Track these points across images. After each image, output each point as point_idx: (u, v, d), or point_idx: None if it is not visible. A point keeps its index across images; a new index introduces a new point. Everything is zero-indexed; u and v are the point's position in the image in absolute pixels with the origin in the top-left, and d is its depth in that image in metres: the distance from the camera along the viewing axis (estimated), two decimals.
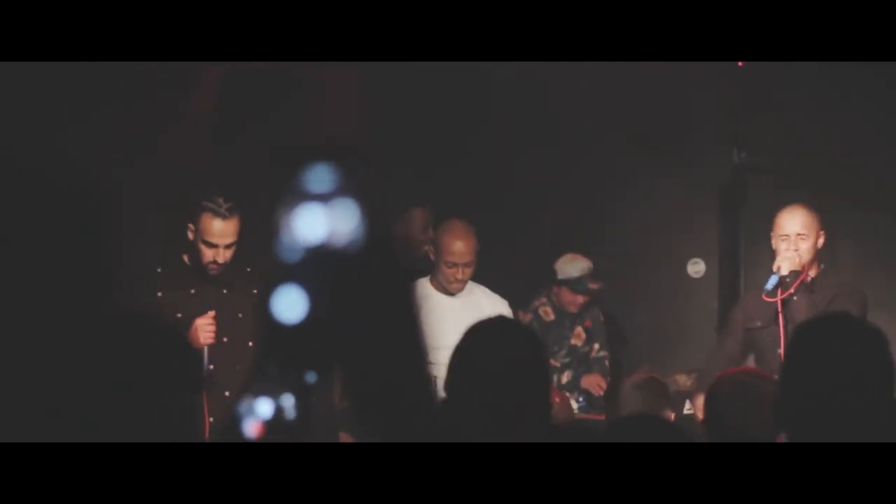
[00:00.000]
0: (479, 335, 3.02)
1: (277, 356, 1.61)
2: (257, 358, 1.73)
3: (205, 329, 5.21)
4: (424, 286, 6.07)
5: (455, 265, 5.98)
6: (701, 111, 7.43)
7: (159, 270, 5.34)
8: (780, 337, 5.76)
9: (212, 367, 5.16)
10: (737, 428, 3.60)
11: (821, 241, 5.87)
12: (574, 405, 6.47)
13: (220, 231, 5.26)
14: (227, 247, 5.28)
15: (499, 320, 3.14)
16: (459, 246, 5.97)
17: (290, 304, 1.54)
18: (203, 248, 5.27)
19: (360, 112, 7.31)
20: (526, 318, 7.18)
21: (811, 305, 5.73)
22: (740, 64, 6.91)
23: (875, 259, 7.26)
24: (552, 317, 7.28)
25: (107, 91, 6.31)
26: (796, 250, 5.80)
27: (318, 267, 1.52)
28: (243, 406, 1.69)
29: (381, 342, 1.55)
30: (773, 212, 5.93)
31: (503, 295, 6.29)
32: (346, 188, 1.53)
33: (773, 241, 5.90)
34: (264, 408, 1.68)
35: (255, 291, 5.18)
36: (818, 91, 7.22)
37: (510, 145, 7.55)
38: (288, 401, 1.64)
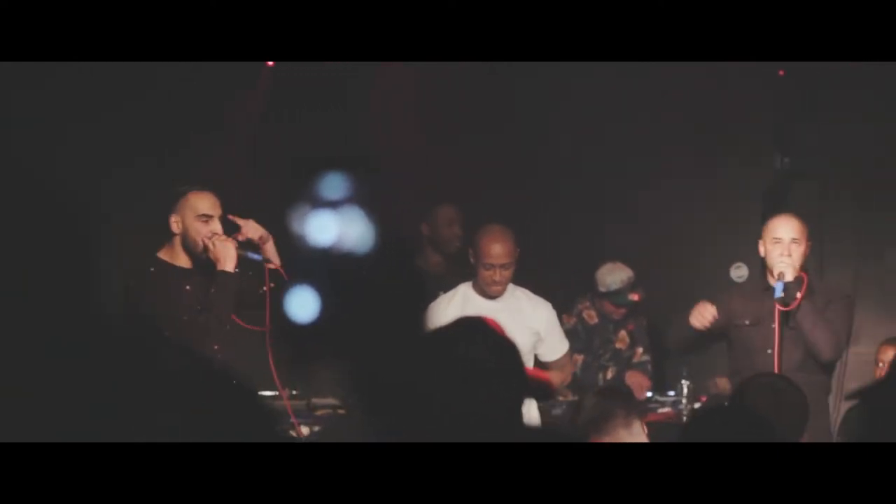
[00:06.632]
0: (445, 332, 2.98)
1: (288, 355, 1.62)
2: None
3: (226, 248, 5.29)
4: (466, 290, 6.07)
5: (492, 267, 5.93)
6: (744, 117, 7.39)
7: (152, 269, 5.35)
8: (772, 338, 5.85)
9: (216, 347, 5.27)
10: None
11: (808, 247, 5.93)
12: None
13: (212, 204, 5.31)
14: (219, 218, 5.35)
15: (471, 320, 3.08)
16: (496, 248, 5.93)
17: (301, 305, 1.56)
18: (199, 225, 5.30)
19: (406, 114, 7.35)
20: (570, 321, 7.18)
21: (813, 310, 5.84)
22: (781, 73, 6.89)
23: None
24: (596, 320, 7.29)
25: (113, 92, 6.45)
26: (789, 255, 5.84)
27: (329, 270, 1.53)
28: None
29: (389, 341, 1.55)
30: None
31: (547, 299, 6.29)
32: (357, 196, 1.55)
33: (762, 246, 5.94)
34: None
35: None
36: (862, 96, 7.17)
37: (551, 148, 7.55)
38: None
